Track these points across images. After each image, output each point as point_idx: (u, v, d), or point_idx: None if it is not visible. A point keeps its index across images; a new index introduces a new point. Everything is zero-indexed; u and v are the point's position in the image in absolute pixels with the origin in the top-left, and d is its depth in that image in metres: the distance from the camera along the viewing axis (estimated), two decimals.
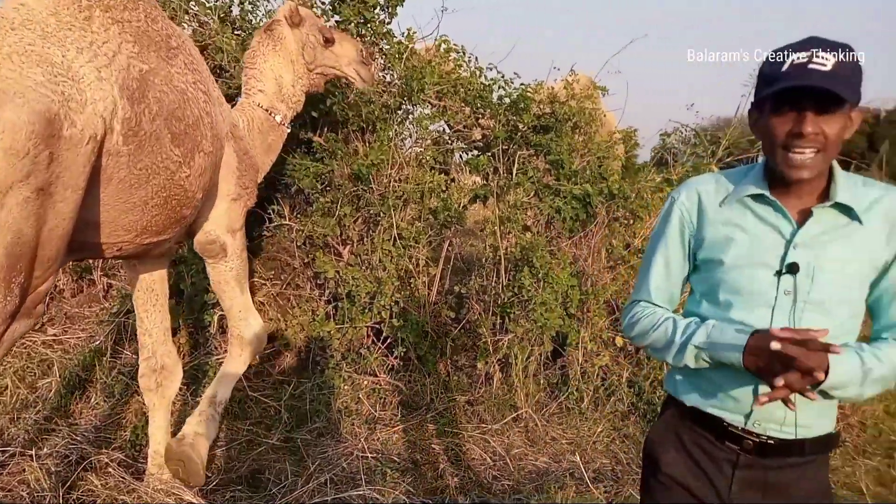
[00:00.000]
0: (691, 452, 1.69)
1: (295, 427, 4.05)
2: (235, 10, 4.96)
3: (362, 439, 3.93)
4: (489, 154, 5.11)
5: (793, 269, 1.54)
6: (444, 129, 5.31)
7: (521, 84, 5.18)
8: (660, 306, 1.78)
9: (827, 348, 1.40)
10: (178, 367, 3.30)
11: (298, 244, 4.76)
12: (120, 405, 4.12)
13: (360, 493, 3.37)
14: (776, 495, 1.61)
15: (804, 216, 1.57)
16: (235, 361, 3.48)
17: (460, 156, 5.41)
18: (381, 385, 4.51)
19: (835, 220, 1.56)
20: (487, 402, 4.39)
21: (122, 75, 2.23)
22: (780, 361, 1.43)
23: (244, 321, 3.42)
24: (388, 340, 4.65)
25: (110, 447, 3.65)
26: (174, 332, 4.27)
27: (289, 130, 3.73)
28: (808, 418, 1.58)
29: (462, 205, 5.05)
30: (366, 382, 4.49)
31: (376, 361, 4.54)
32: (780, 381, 1.42)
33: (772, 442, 1.59)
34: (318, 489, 3.40)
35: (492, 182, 4.98)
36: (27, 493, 3.13)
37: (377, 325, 4.63)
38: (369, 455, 3.77)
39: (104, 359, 4.45)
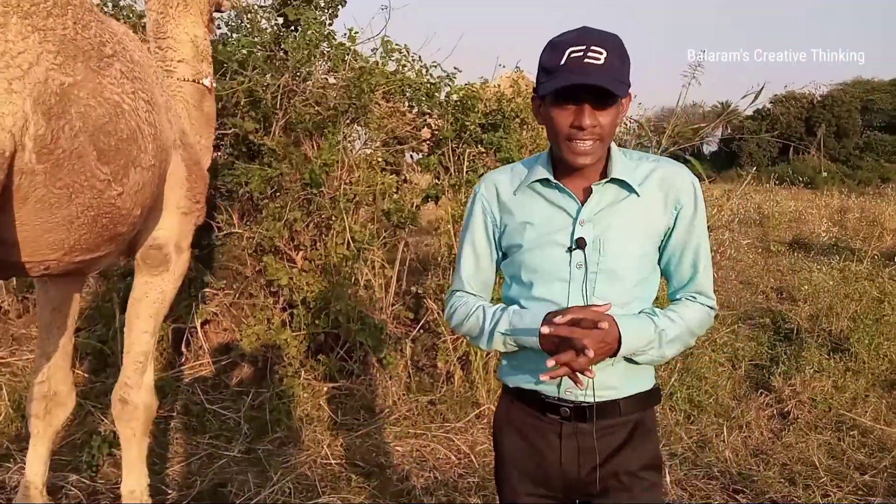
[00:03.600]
0: (523, 432, 1.76)
1: (256, 438, 4.00)
2: None
3: (325, 446, 3.90)
4: (439, 153, 5.12)
5: (580, 244, 1.63)
6: (391, 130, 5.30)
7: (467, 83, 5.21)
8: (474, 294, 1.85)
9: (595, 325, 1.49)
10: (71, 395, 3.05)
11: (249, 252, 4.70)
12: (75, 426, 4.02)
13: (325, 500, 3.35)
14: (606, 463, 1.67)
15: (587, 194, 1.66)
16: (130, 444, 3.02)
17: (410, 155, 5.41)
18: (341, 390, 4.49)
19: (615, 195, 1.66)
20: (450, 400, 4.40)
21: (37, 89, 2.03)
22: (563, 341, 1.50)
23: (137, 376, 2.96)
24: (347, 345, 4.62)
25: (66, 469, 3.55)
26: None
27: (215, 86, 3.39)
28: (613, 381, 1.66)
29: (415, 205, 5.06)
30: (326, 388, 4.46)
31: (336, 367, 4.51)
32: (550, 363, 1.49)
33: (586, 405, 1.66)
34: (282, 499, 3.37)
35: (443, 181, 4.99)
36: None
37: (335, 331, 4.61)
38: (333, 461, 3.75)
39: None
